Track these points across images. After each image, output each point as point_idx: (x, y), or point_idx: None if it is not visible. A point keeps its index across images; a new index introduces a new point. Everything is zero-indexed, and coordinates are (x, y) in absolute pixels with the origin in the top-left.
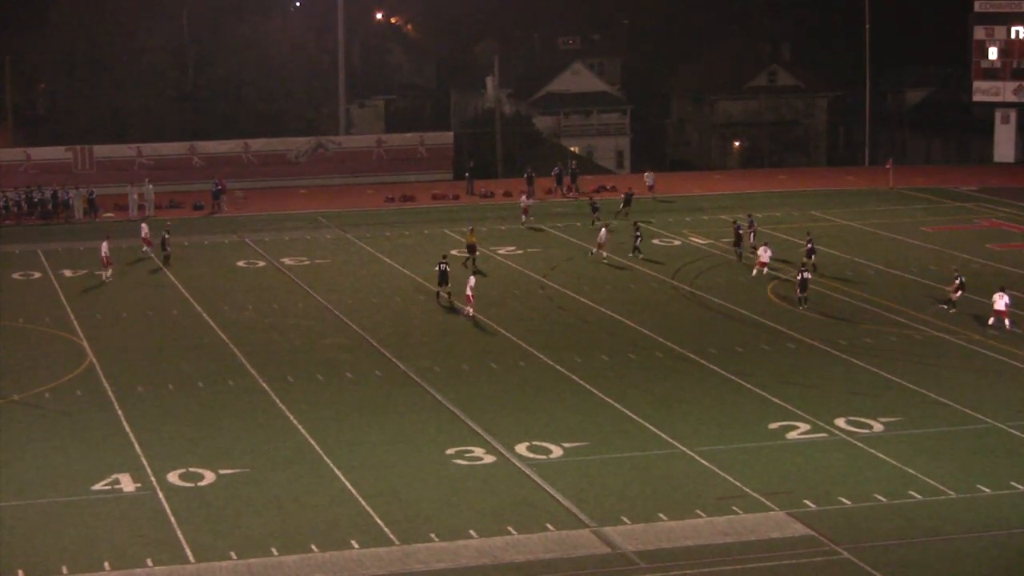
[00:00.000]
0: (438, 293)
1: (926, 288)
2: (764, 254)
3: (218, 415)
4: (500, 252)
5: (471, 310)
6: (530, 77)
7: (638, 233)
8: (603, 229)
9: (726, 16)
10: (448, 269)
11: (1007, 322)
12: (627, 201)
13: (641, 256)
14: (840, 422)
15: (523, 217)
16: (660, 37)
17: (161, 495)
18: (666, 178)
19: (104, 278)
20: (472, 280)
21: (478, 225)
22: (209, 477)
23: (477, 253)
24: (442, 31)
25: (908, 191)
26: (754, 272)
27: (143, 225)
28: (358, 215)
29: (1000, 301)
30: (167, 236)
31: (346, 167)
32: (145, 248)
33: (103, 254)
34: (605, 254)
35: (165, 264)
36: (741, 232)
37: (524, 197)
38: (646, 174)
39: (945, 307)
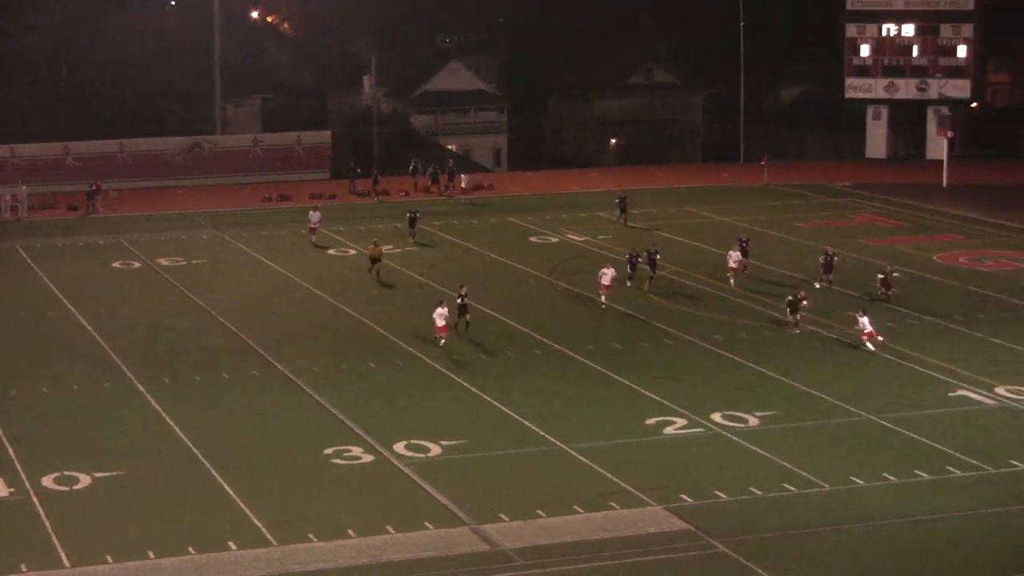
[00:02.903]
0: (456, 324)
1: (801, 283)
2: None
3: (93, 417)
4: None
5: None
6: (408, 76)
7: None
8: (606, 268)
9: (603, 14)
10: (467, 303)
11: (869, 345)
12: (623, 207)
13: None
14: (716, 417)
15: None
16: (537, 35)
17: (35, 499)
18: (544, 176)
19: None
20: (443, 310)
21: (355, 224)
22: (84, 480)
23: (380, 264)
24: (319, 29)
25: (783, 187)
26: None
27: None
28: (235, 215)
29: (862, 321)
30: None
31: (223, 167)
32: None
33: None
34: (604, 298)
35: None
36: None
37: (464, 177)
38: (461, 175)
39: (821, 285)
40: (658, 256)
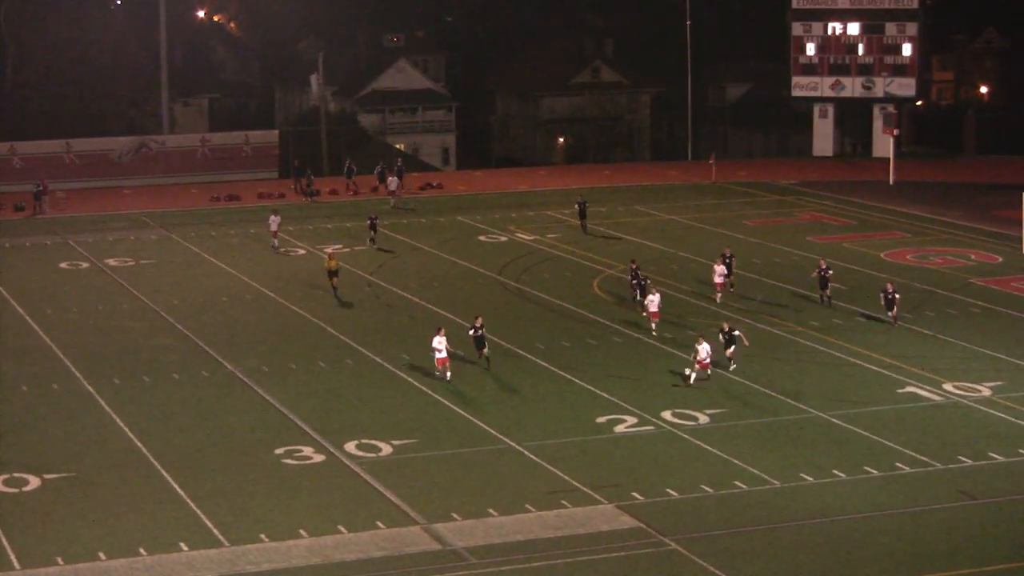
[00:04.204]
0: (479, 357)
1: (749, 281)
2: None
3: (42, 419)
4: (327, 250)
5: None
6: (355, 75)
7: (637, 281)
8: (652, 295)
9: (550, 13)
10: (483, 334)
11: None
12: (583, 212)
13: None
14: (667, 415)
15: (392, 200)
16: (484, 34)
17: None
18: (492, 175)
19: None
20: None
21: (303, 224)
22: (34, 482)
23: (337, 279)
24: (266, 28)
25: (730, 185)
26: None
27: None
28: (183, 215)
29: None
30: None
31: (170, 166)
32: None
33: None
34: (654, 325)
35: None
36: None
37: (392, 180)
38: (390, 179)
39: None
40: (640, 272)
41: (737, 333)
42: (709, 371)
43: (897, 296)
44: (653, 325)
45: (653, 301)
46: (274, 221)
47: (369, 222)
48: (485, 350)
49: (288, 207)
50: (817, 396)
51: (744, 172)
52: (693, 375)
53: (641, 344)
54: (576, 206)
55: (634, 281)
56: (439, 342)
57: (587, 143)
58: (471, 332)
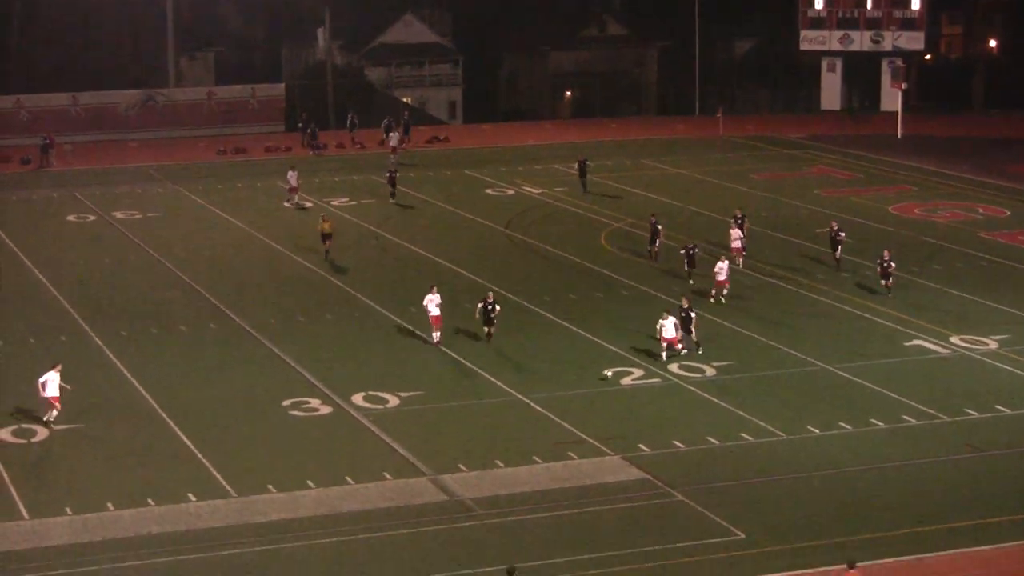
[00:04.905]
0: (488, 333)
1: (756, 235)
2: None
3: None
4: (334, 203)
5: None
6: (361, 28)
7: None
8: (721, 262)
9: None
10: (494, 307)
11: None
12: (583, 172)
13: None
14: (673, 367)
15: (392, 156)
16: None
17: None
18: (499, 128)
19: None
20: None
21: (310, 178)
22: (42, 433)
23: (330, 243)
24: None
25: (738, 139)
26: (712, 294)
27: None
28: (190, 168)
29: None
30: None
31: (177, 120)
32: None
33: None
34: (725, 291)
35: None
36: (659, 227)
37: (393, 135)
38: (390, 135)
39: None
40: (660, 226)
41: (694, 314)
42: (680, 347)
43: (893, 265)
44: (724, 291)
45: (722, 269)
46: (292, 176)
47: (388, 176)
48: (493, 328)
49: (295, 161)
50: (824, 349)
51: (751, 126)
52: (664, 355)
53: (648, 297)
54: (577, 164)
55: (653, 235)
56: (430, 300)
57: (594, 97)
58: (480, 307)
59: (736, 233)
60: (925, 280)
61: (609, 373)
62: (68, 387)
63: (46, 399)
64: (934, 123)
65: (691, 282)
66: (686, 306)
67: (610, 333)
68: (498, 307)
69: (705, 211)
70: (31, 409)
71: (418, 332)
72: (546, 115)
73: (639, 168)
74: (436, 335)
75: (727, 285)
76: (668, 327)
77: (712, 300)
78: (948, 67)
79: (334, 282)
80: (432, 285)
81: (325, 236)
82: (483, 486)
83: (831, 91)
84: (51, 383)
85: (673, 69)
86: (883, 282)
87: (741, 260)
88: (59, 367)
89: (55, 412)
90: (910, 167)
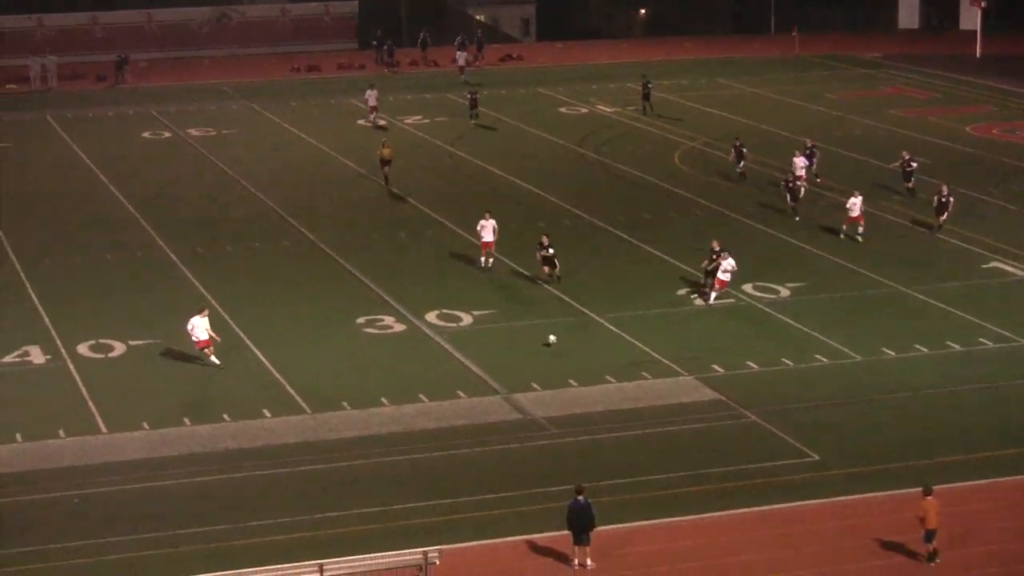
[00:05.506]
0: (550, 275)
1: (831, 155)
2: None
3: (127, 286)
4: (407, 121)
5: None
6: None
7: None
8: (855, 197)
9: None
10: (549, 249)
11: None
12: (646, 94)
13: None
14: (748, 287)
15: (462, 75)
16: None
17: (72, 366)
18: (572, 47)
19: None
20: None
21: (384, 96)
22: (119, 348)
23: (389, 169)
24: None
25: (813, 58)
26: (844, 230)
27: None
28: (263, 85)
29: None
30: None
31: (250, 37)
32: None
33: None
34: (860, 228)
35: None
36: (744, 151)
37: (460, 55)
38: (458, 54)
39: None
40: (744, 149)
41: (728, 262)
42: (727, 290)
43: (951, 200)
44: (859, 228)
45: (855, 204)
46: (371, 95)
47: (469, 97)
48: (556, 269)
49: (374, 79)
50: (900, 270)
51: (828, 45)
52: (713, 295)
53: (722, 217)
54: (640, 86)
55: (738, 158)
56: (483, 226)
57: (668, 15)
58: (539, 252)
59: (800, 161)
60: (1003, 202)
61: (553, 338)
62: (217, 337)
63: (197, 342)
64: (1014, 42)
65: (796, 219)
66: (716, 248)
67: (684, 253)
68: (551, 249)
69: (780, 131)
70: (107, 325)
71: (491, 250)
72: (619, 33)
73: (713, 87)
74: (486, 259)
75: (861, 221)
76: (726, 266)
77: (842, 236)
78: None
79: (408, 200)
80: (487, 212)
81: (384, 162)
82: (556, 405)
83: (909, 9)
84: (198, 328)
85: None
86: (939, 217)
87: (804, 189)
88: (205, 312)
89: (212, 355)
90: (989, 87)
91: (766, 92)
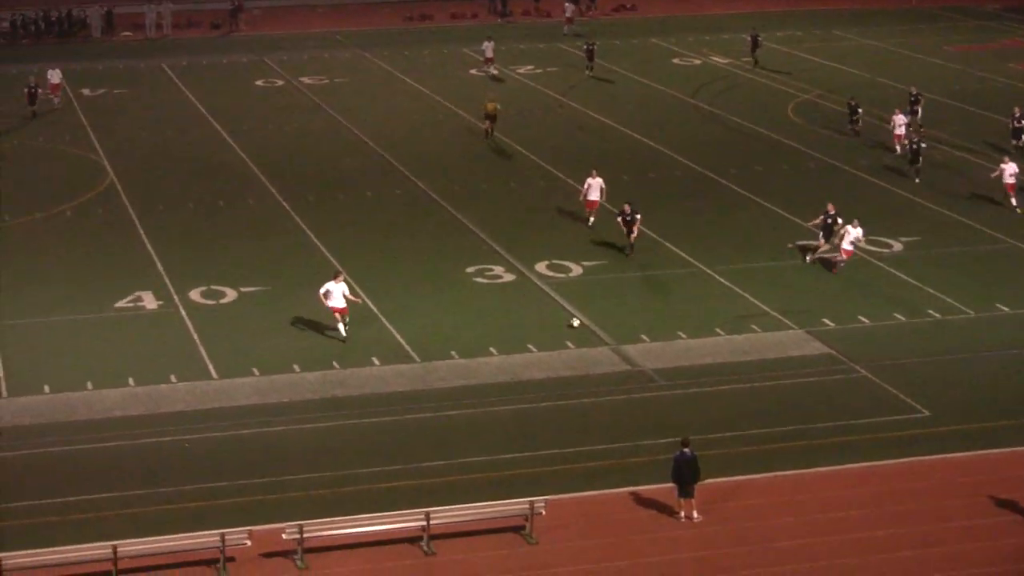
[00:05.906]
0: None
1: (948, 108)
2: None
3: (239, 233)
4: (519, 71)
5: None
6: None
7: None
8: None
9: None
10: (632, 217)
11: (1013, 200)
12: (755, 44)
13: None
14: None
15: (566, 27)
16: None
17: (183, 312)
18: None
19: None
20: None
21: (497, 44)
22: (231, 295)
23: (493, 124)
24: None
25: (931, 10)
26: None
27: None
28: (376, 34)
29: (1008, 174)
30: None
31: None
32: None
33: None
34: (1015, 201)
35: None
36: (859, 109)
37: (569, 6)
38: (566, 4)
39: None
40: (860, 109)
41: (857, 231)
42: (845, 259)
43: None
44: (1013, 201)
45: (1007, 171)
46: (488, 47)
47: (586, 49)
48: (633, 235)
49: (491, 30)
50: (1013, 226)
51: None
52: (842, 261)
53: (836, 170)
54: (748, 38)
55: (852, 115)
56: (589, 184)
57: None
58: (619, 218)
59: (900, 119)
60: None
61: (576, 322)
62: (356, 300)
63: (333, 308)
64: None
65: (917, 180)
66: (832, 212)
67: (795, 206)
68: (638, 216)
69: (896, 83)
70: (219, 271)
71: (602, 202)
72: None
73: (828, 39)
74: (591, 219)
75: (1012, 191)
76: (852, 235)
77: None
78: None
79: (518, 150)
80: (593, 171)
81: (489, 116)
82: (665, 357)
83: None
84: (334, 293)
85: None
86: (1015, 141)
87: (899, 147)
88: (340, 276)
89: (342, 326)
90: None
91: (882, 44)
